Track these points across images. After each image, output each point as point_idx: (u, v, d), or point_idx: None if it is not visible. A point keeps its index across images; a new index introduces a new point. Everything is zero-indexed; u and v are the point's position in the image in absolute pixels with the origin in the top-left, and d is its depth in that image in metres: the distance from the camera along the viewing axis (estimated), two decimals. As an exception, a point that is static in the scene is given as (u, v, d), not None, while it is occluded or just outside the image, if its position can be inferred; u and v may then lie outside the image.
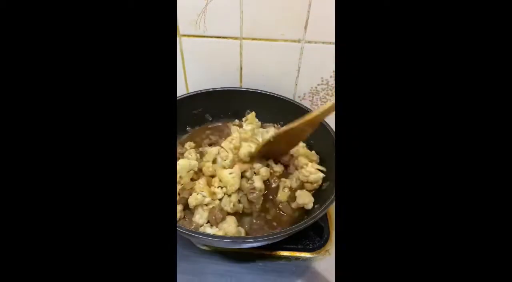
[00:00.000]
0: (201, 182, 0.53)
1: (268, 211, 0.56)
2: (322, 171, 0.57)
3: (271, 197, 0.58)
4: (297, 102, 0.70)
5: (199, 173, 0.58)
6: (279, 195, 0.57)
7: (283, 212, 0.56)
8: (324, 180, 0.59)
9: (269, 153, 0.60)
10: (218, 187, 0.52)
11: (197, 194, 0.51)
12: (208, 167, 0.56)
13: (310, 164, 0.58)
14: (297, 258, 0.55)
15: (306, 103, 0.78)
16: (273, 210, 0.56)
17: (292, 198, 0.57)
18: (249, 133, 0.65)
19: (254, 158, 0.58)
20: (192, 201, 0.50)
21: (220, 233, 0.47)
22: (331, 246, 0.57)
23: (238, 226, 0.50)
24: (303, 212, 0.56)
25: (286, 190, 0.58)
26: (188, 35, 0.67)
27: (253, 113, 0.73)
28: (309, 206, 0.54)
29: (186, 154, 0.64)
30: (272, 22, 0.64)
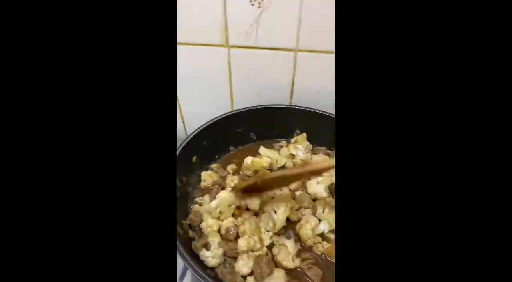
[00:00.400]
0: (252, 222, 0.45)
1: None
2: None
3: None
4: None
5: (241, 209, 0.51)
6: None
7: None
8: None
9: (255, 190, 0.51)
10: (265, 231, 0.45)
11: (249, 237, 0.43)
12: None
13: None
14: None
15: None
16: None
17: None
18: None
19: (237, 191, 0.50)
20: (243, 244, 0.43)
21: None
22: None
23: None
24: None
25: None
26: (238, 47, 0.59)
27: (304, 134, 0.64)
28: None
29: (228, 180, 0.57)
30: (333, 33, 0.54)
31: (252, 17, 0.55)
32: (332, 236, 0.48)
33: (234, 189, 0.51)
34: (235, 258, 0.45)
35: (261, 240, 0.44)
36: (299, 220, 0.50)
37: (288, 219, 0.49)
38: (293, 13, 0.53)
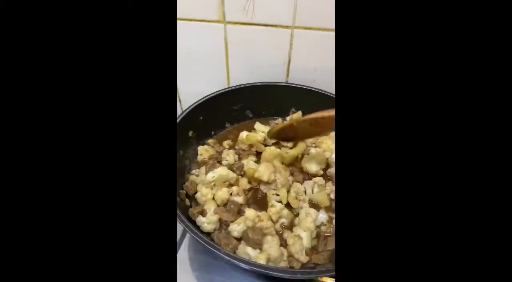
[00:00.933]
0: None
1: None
2: None
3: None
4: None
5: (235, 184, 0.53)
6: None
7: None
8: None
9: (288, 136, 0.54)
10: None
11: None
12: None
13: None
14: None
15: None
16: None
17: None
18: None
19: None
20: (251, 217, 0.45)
21: (263, 256, 0.42)
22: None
23: (280, 246, 0.44)
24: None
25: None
26: (234, 23, 0.59)
27: (299, 112, 0.65)
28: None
29: (224, 154, 0.58)
30: (331, 9, 0.54)
31: (249, -9, 0.55)
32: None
33: (268, 134, 0.53)
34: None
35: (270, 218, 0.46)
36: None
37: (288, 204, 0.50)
38: (290, -12, 0.53)
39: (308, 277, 0.38)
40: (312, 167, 0.56)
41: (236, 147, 0.61)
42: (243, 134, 0.60)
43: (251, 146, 0.59)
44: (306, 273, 0.39)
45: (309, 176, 0.56)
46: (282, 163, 0.57)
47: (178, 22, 0.60)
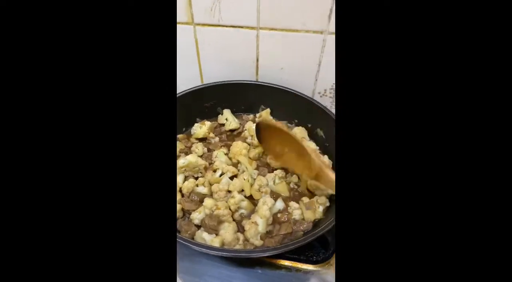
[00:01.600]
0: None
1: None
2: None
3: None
4: (315, 100, 0.64)
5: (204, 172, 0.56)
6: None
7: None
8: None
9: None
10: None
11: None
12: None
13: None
14: (298, 270, 0.52)
15: (326, 101, 0.72)
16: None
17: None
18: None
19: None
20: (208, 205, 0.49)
21: (217, 240, 0.45)
22: (337, 260, 0.53)
23: (236, 232, 0.48)
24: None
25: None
26: (203, 24, 0.63)
27: (268, 110, 0.69)
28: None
29: (193, 148, 0.62)
30: (292, 11, 0.58)
31: (214, -5, 0.58)
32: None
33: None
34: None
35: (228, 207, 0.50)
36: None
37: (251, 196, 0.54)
38: (252, -8, 0.57)
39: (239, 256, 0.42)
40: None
41: (207, 140, 0.65)
42: (207, 122, 0.65)
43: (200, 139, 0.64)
44: (241, 251, 0.42)
45: (274, 170, 0.60)
46: (249, 158, 0.61)
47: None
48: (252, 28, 0.62)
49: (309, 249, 0.53)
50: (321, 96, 0.72)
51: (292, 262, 0.52)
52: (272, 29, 0.62)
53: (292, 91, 0.67)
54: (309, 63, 0.66)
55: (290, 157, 0.53)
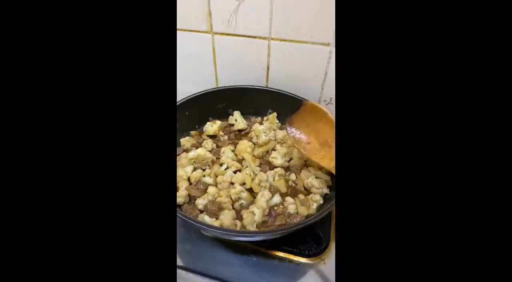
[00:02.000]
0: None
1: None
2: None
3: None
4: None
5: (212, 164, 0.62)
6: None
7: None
8: (331, 188, 0.58)
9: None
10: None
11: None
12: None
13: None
14: (290, 261, 0.55)
15: (331, 108, 0.76)
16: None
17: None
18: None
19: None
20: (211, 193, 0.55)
21: (217, 223, 0.50)
22: (328, 256, 0.56)
23: (235, 219, 0.53)
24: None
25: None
26: (221, 33, 0.70)
27: (275, 114, 0.74)
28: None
29: (204, 143, 0.68)
30: (301, 24, 0.64)
31: (232, 7, 0.65)
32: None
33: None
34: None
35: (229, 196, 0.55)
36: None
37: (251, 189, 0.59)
38: (265, 6, 0.63)
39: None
40: (278, 160, 0.64)
41: (216, 137, 0.71)
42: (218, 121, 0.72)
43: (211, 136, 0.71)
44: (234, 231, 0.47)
45: (274, 168, 0.64)
46: (253, 156, 0.66)
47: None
48: (264, 38, 0.68)
49: (302, 243, 0.57)
50: (326, 104, 0.76)
51: (286, 253, 0.56)
52: (282, 40, 0.68)
53: (298, 97, 0.72)
54: (315, 72, 0.71)
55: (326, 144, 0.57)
